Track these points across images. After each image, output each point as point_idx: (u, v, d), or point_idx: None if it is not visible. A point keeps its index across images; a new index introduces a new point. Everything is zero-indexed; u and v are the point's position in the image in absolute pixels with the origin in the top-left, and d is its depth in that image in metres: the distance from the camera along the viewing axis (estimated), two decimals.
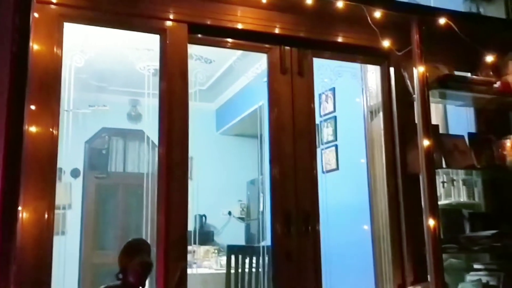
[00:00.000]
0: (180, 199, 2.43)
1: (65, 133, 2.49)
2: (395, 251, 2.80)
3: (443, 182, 2.99)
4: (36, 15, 2.27)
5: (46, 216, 2.16)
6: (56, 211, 2.45)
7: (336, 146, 4.57)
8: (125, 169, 6.85)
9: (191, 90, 2.66)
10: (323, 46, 2.86)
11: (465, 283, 2.76)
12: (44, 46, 2.27)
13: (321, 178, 2.84)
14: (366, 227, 3.10)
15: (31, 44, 2.25)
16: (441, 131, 2.98)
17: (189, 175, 2.55)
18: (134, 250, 1.99)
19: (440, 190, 3.02)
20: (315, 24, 2.79)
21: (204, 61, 4.85)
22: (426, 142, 2.50)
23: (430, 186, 2.47)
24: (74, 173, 6.36)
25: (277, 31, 2.73)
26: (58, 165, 2.30)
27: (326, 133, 4.65)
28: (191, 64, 2.61)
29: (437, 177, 2.67)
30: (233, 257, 3.82)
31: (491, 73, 2.95)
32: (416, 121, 2.62)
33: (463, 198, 3.08)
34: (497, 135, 2.95)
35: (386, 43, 2.80)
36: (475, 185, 3.10)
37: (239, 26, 2.65)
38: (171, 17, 2.54)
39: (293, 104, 2.77)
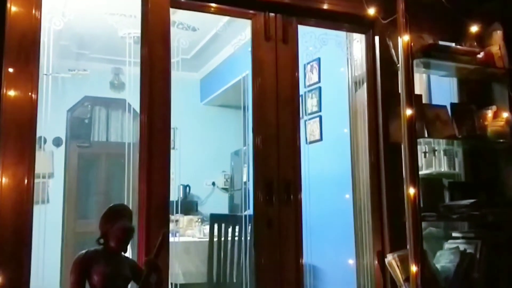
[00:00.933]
0: (161, 165, 2.42)
1: (44, 100, 2.43)
2: (375, 220, 2.84)
3: (424, 153, 3.01)
4: None
5: (25, 181, 2.14)
6: (38, 180, 2.44)
7: (320, 117, 4.57)
8: (108, 139, 6.80)
9: (174, 59, 2.62)
10: (308, 13, 2.84)
11: (443, 251, 2.81)
12: (22, 8, 2.21)
13: (305, 149, 2.85)
14: (348, 196, 3.13)
15: (8, 5, 2.18)
16: (424, 101, 2.99)
17: (173, 146, 2.54)
18: (116, 215, 1.97)
19: (422, 161, 3.05)
20: None
21: (189, 29, 4.77)
22: (408, 112, 2.51)
23: (411, 155, 2.48)
24: (56, 141, 6.29)
25: None
26: (40, 133, 2.27)
27: (310, 104, 4.64)
28: (175, 32, 2.57)
29: (418, 147, 2.69)
30: (216, 225, 3.84)
31: (475, 43, 2.96)
32: (400, 91, 2.62)
33: (444, 168, 3.12)
34: (479, 105, 2.98)
35: (371, 11, 2.78)
36: (456, 155, 3.14)
37: None
38: None
39: (277, 72, 2.76)
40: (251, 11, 2.74)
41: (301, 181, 2.75)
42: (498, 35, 2.96)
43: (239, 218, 3.83)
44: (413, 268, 2.38)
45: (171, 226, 2.71)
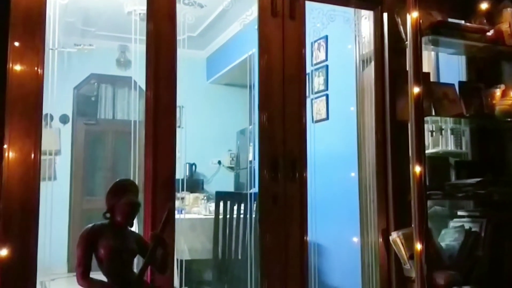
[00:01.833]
0: (167, 142, 2.43)
1: (50, 76, 2.43)
2: (380, 198, 2.84)
3: (431, 131, 3.00)
4: None
5: (32, 156, 2.15)
6: (45, 157, 2.45)
7: (327, 96, 4.55)
8: (115, 116, 6.82)
9: (181, 36, 2.60)
10: None
11: (448, 229, 2.81)
12: None
13: (311, 128, 2.84)
14: (353, 174, 3.13)
15: None
16: (432, 79, 2.96)
17: (179, 124, 2.54)
18: (122, 190, 1.98)
19: (428, 140, 3.03)
20: None
21: (195, 5, 4.73)
22: (416, 90, 2.48)
23: (418, 133, 2.47)
24: (63, 119, 6.32)
25: None
26: (46, 110, 2.28)
27: (317, 82, 4.61)
28: (182, 8, 2.54)
29: (425, 126, 2.67)
30: (221, 203, 3.85)
31: (484, 21, 2.92)
32: (408, 69, 2.59)
33: (451, 147, 3.11)
34: (487, 84, 2.94)
35: None
36: (463, 134, 3.12)
37: None
38: None
39: (283, 49, 2.73)
40: None
41: (307, 159, 2.74)
42: (508, 12, 2.91)
43: (245, 196, 3.84)
44: (418, 246, 2.38)
45: (177, 203, 2.73)
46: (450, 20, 2.89)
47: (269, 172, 2.63)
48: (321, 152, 3.19)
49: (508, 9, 2.92)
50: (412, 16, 2.53)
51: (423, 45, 2.60)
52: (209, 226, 3.89)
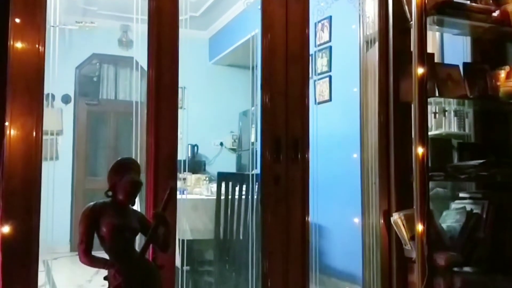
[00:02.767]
0: (169, 121, 2.42)
1: (52, 54, 2.41)
2: (382, 179, 2.83)
3: (434, 113, 2.98)
4: None
5: (34, 134, 2.14)
6: (48, 137, 2.44)
7: (330, 77, 4.52)
8: (117, 97, 6.81)
9: (183, 16, 2.57)
10: None
11: (449, 211, 2.81)
12: None
13: (313, 109, 2.82)
14: (356, 156, 3.12)
15: None
16: (436, 60, 2.93)
17: (181, 105, 2.53)
18: (124, 168, 1.97)
19: (431, 121, 3.02)
20: None
21: None
22: (420, 70, 2.46)
23: (421, 114, 2.46)
24: (65, 99, 6.31)
25: None
26: (48, 90, 2.26)
27: (320, 63, 4.58)
28: None
29: (429, 107, 2.65)
30: (223, 184, 3.86)
31: (490, 1, 2.87)
32: (412, 49, 2.57)
33: (454, 129, 3.09)
34: (492, 65, 2.92)
35: None
36: (466, 116, 3.10)
37: None
38: None
39: (287, 29, 2.70)
40: None
41: (309, 139, 2.73)
42: None
43: (246, 176, 3.84)
44: (419, 227, 2.39)
45: (179, 184, 2.73)
46: (455, 0, 2.85)
47: (271, 153, 2.63)
48: (323, 133, 3.18)
49: None
50: None
51: (428, 26, 2.58)
52: (211, 206, 3.90)
